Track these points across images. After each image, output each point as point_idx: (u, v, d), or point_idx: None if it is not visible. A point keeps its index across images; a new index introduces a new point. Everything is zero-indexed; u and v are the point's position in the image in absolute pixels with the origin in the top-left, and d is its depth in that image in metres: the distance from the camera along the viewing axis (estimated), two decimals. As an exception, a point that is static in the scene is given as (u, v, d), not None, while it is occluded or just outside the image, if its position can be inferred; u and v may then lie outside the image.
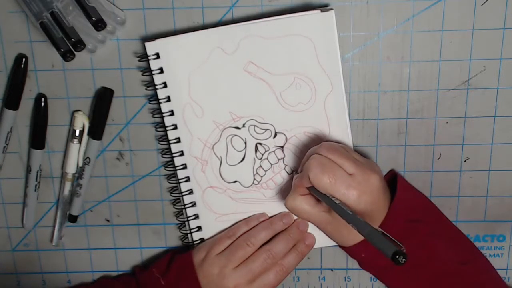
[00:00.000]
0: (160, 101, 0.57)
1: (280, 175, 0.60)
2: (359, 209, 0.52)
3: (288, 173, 0.60)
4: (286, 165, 0.59)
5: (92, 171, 0.61)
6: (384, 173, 0.61)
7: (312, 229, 0.61)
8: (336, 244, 0.60)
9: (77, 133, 0.60)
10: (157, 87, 0.57)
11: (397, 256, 0.43)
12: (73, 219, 0.63)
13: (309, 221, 0.57)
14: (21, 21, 0.57)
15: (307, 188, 0.54)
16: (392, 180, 0.59)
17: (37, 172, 0.61)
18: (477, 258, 0.58)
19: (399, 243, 0.45)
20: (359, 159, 0.55)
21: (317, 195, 0.53)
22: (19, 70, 0.57)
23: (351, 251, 0.58)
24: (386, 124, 0.59)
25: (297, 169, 0.58)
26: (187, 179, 0.60)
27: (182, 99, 0.57)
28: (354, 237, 0.55)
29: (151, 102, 0.59)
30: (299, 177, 0.55)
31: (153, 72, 0.57)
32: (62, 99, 0.60)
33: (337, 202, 0.51)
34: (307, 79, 0.56)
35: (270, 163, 0.59)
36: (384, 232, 0.46)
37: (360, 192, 0.52)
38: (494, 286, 0.58)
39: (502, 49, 0.56)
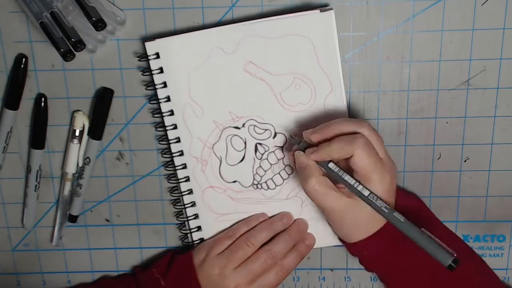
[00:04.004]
0: (160, 101, 0.57)
1: (280, 175, 0.59)
2: (390, 193, 0.52)
3: (288, 173, 0.59)
4: (286, 165, 0.59)
5: (92, 171, 0.61)
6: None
7: (312, 229, 0.61)
8: (336, 244, 0.60)
9: (77, 133, 0.60)
10: (157, 87, 0.57)
11: (453, 264, 0.44)
12: (73, 219, 0.63)
13: (325, 207, 0.52)
14: (21, 21, 0.57)
15: (325, 169, 0.51)
16: None
17: (37, 172, 0.61)
18: (473, 258, 0.58)
19: (450, 250, 0.46)
20: None
21: (346, 184, 0.50)
22: (19, 70, 0.57)
23: (353, 247, 0.56)
24: (386, 124, 0.59)
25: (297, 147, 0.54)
26: (187, 179, 0.60)
27: (182, 99, 0.57)
28: (363, 232, 0.54)
29: (151, 102, 0.59)
30: (316, 152, 0.51)
31: (153, 72, 0.57)
32: (62, 99, 0.60)
33: (367, 192, 0.50)
34: (307, 79, 0.56)
35: (270, 163, 0.59)
36: (431, 236, 0.47)
37: (392, 177, 0.52)
38: (490, 286, 0.57)
39: (502, 49, 0.56)
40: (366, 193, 0.50)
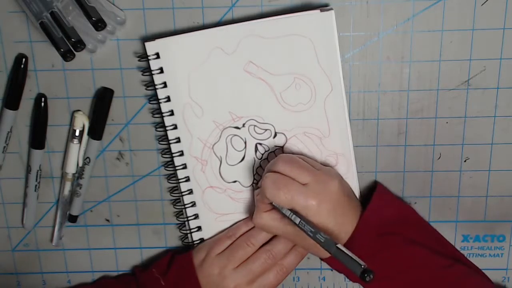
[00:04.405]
0: (160, 101, 0.57)
1: (280, 175, 0.60)
2: (323, 220, 0.52)
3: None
4: (286, 165, 0.59)
5: (92, 171, 0.61)
6: (384, 173, 0.61)
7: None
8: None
9: (77, 133, 0.60)
10: (157, 87, 0.57)
11: (365, 275, 0.44)
12: (73, 219, 0.63)
13: (281, 236, 0.57)
14: (21, 21, 0.57)
15: (270, 203, 0.54)
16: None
17: (37, 172, 0.61)
18: (461, 261, 0.57)
19: (361, 261, 0.46)
20: (317, 167, 0.55)
21: (280, 212, 0.54)
22: (19, 70, 0.57)
23: (329, 262, 0.58)
24: (386, 124, 0.59)
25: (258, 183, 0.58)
26: (187, 179, 0.60)
27: (182, 99, 0.57)
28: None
29: (151, 102, 0.59)
30: (259, 194, 0.55)
31: (153, 72, 0.57)
32: (62, 99, 0.60)
33: (298, 219, 0.51)
34: (307, 79, 0.56)
35: (270, 163, 0.59)
36: (345, 250, 0.47)
37: (319, 201, 0.52)
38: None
39: (502, 49, 0.56)
40: (296, 222, 0.52)
